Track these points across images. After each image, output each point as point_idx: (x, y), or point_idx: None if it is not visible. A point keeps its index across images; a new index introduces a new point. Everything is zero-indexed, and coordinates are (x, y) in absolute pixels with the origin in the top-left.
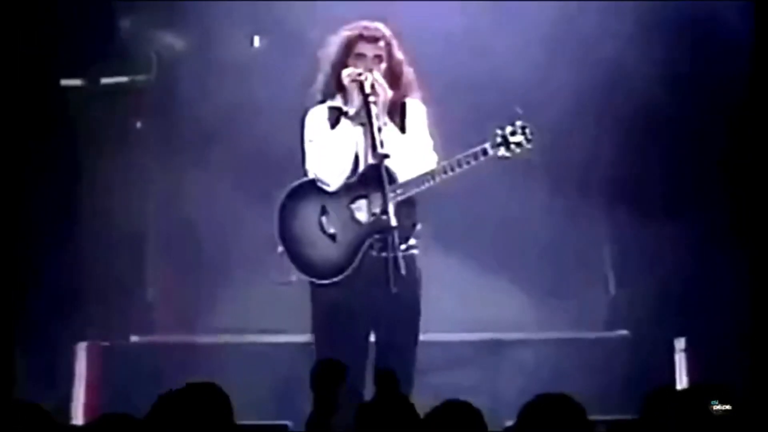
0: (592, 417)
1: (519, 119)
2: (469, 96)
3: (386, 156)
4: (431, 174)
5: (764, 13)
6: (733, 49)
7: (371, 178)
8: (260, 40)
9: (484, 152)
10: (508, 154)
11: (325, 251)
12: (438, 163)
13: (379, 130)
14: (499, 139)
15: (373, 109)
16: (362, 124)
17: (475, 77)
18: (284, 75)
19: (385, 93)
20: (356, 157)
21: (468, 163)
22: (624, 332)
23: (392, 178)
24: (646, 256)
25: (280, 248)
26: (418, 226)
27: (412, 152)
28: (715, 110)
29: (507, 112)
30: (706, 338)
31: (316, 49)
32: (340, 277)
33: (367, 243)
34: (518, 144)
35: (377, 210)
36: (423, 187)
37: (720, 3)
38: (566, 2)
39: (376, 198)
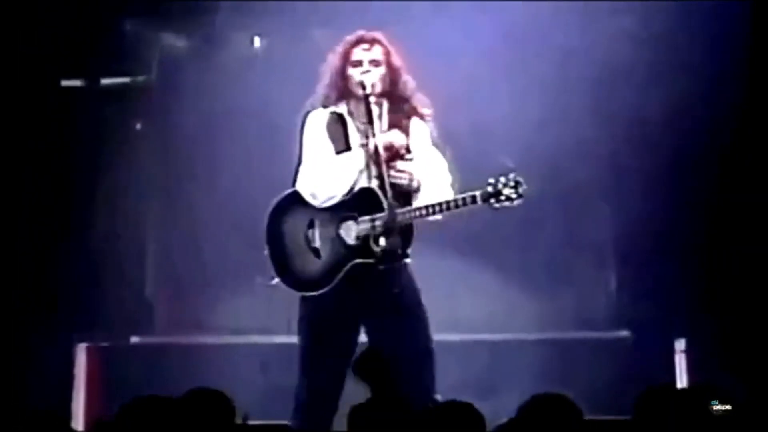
0: (592, 417)
1: (512, 172)
2: (472, 99)
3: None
4: (420, 210)
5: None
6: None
7: (364, 200)
8: (261, 41)
9: (473, 199)
10: (497, 206)
11: (306, 264)
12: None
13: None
14: (491, 189)
15: (374, 110)
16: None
17: (479, 85)
18: (285, 77)
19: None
20: None
21: (457, 206)
22: (624, 332)
23: (381, 207)
24: (647, 256)
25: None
26: (408, 260)
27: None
28: (720, 111)
29: (508, 126)
30: (706, 338)
31: (318, 50)
32: (316, 293)
33: (349, 265)
34: (508, 198)
35: (362, 234)
36: (409, 221)
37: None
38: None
39: (364, 222)
